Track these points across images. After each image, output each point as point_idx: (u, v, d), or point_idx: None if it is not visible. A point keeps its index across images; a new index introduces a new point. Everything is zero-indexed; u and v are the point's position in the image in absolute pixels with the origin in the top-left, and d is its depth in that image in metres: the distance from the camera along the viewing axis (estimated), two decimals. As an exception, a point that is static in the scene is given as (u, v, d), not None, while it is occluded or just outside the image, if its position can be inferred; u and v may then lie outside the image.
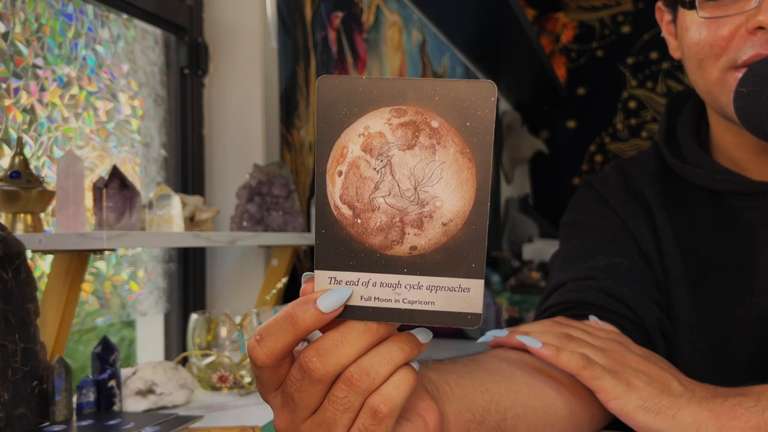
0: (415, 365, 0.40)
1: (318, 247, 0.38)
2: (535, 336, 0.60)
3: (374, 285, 0.38)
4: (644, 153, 0.86)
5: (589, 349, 0.59)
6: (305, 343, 0.40)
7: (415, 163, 0.37)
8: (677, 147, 0.81)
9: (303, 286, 0.40)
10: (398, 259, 0.38)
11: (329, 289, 0.38)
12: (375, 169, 0.37)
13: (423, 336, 0.40)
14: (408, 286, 0.38)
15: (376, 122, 0.37)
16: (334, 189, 0.38)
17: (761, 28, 0.64)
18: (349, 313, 0.39)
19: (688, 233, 0.77)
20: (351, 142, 0.37)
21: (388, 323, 0.39)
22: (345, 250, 0.38)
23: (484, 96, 0.36)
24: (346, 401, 0.38)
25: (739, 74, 0.66)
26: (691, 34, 0.70)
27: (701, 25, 0.68)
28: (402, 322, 0.39)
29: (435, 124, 0.37)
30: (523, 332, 0.62)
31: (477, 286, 0.38)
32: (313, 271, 0.39)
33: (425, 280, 0.38)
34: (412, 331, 0.40)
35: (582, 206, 0.85)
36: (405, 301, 0.38)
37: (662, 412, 0.54)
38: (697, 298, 0.75)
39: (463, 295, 0.38)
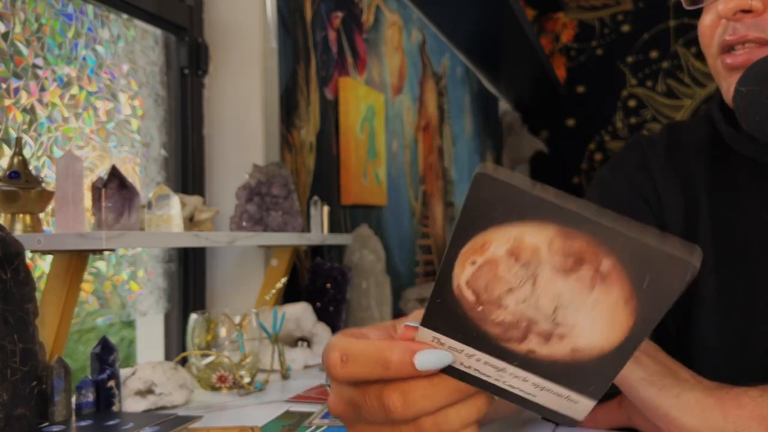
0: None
1: (430, 307, 0.36)
2: None
3: (478, 360, 0.36)
4: (697, 119, 0.84)
5: None
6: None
7: (564, 290, 0.33)
8: (731, 113, 0.77)
9: (402, 332, 0.39)
10: (512, 353, 0.35)
11: (431, 347, 0.37)
12: (515, 274, 0.33)
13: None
14: (513, 375, 0.36)
15: (534, 237, 0.32)
16: (462, 273, 0.34)
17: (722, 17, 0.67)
18: (445, 368, 0.37)
19: (726, 216, 0.74)
20: (496, 241, 0.33)
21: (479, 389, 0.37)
22: (458, 324, 0.36)
23: (680, 271, 0.31)
24: None
25: (724, 58, 0.68)
26: (698, 29, 0.75)
27: (702, 18, 0.72)
28: (496, 395, 0.37)
29: (606, 266, 0.32)
30: None
31: (587, 403, 0.36)
32: (412, 323, 0.38)
33: (534, 378, 0.36)
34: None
35: (620, 168, 0.83)
36: (505, 384, 0.36)
37: (666, 388, 0.53)
38: (724, 286, 0.72)
39: (569, 403, 0.36)
